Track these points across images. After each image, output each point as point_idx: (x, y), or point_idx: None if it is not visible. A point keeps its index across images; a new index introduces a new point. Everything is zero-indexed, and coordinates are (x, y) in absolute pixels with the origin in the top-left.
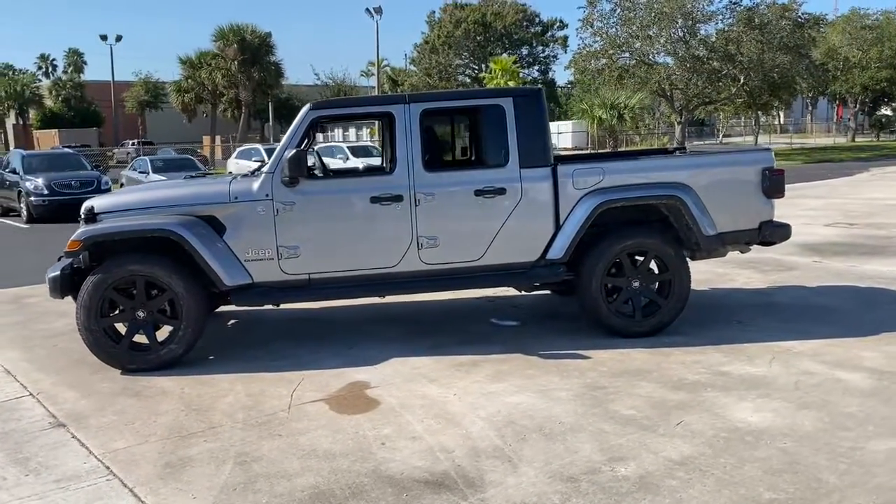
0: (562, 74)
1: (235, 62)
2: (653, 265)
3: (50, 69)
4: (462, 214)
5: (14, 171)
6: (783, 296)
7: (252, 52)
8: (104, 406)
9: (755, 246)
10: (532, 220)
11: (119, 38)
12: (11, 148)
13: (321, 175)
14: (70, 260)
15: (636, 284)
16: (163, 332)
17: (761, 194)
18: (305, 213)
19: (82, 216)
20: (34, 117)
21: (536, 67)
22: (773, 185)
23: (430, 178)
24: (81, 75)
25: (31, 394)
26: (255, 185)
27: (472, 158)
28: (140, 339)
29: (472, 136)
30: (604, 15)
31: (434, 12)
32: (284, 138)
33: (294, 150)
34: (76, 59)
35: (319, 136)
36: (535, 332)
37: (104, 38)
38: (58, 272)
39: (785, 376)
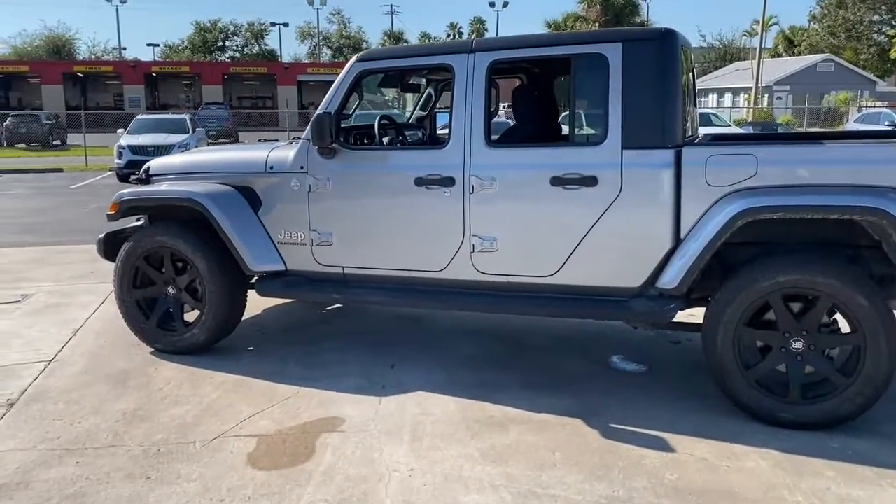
0: None
1: (597, 24)
2: (831, 318)
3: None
4: (532, 209)
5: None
6: None
7: (615, 13)
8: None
9: None
10: (636, 226)
11: None
12: None
13: (365, 145)
14: (140, 223)
15: (797, 346)
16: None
17: None
18: (339, 192)
19: (141, 176)
20: None
21: None
22: None
23: (493, 156)
24: None
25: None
26: (292, 154)
27: (554, 132)
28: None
29: (556, 99)
30: None
31: None
32: (326, 96)
33: (323, 111)
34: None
35: None
36: (648, 389)
37: None
38: (102, 235)
39: None
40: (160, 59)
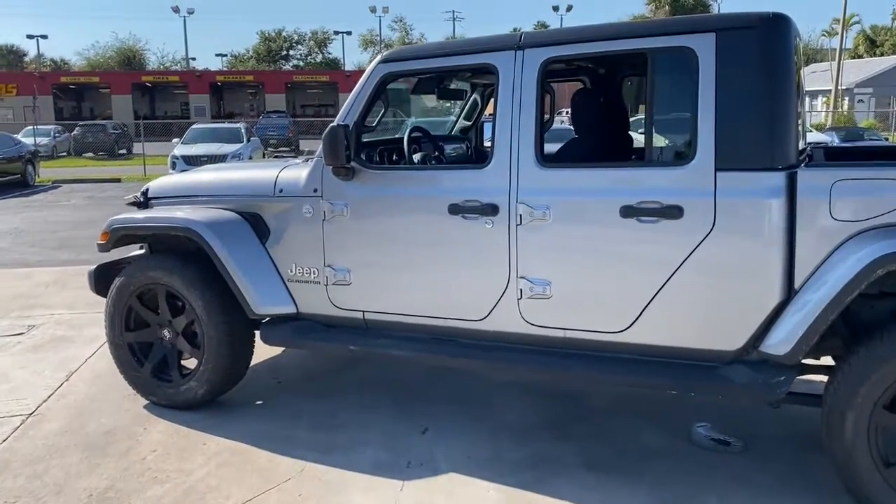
0: None
1: None
2: None
3: None
4: (596, 247)
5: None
6: None
7: (686, 13)
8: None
9: None
10: (734, 271)
11: None
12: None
13: (393, 164)
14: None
15: None
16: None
17: None
18: (358, 221)
19: (139, 198)
20: None
21: None
22: None
23: (546, 178)
24: None
25: None
26: (304, 174)
27: (624, 148)
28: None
29: (626, 106)
30: None
31: None
32: (344, 104)
33: (338, 123)
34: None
35: None
36: (747, 475)
37: None
38: (93, 268)
39: None
40: (226, 69)
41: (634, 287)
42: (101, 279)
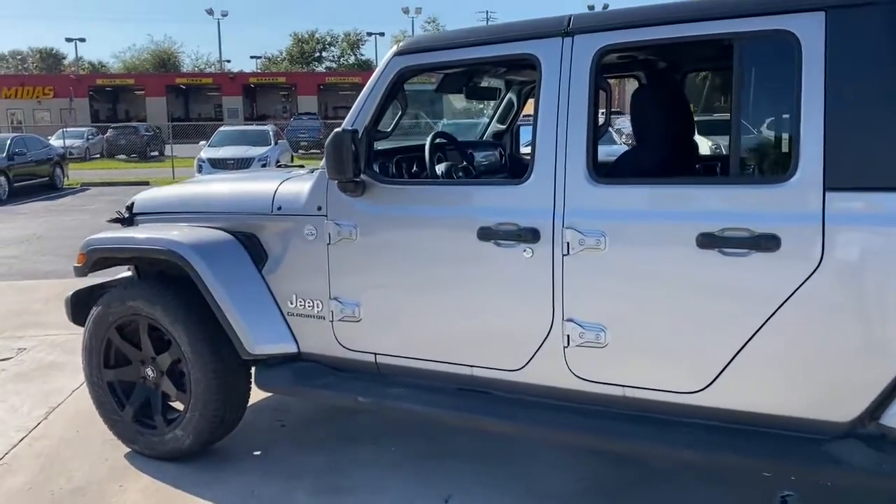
0: None
1: None
2: None
3: None
4: (666, 286)
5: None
6: None
7: None
8: None
9: None
10: (848, 321)
11: None
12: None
13: (413, 177)
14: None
15: None
16: None
17: None
18: (369, 246)
19: (123, 214)
20: None
21: None
22: None
23: (601, 197)
24: None
25: None
26: (306, 188)
27: (691, 157)
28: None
29: (702, 105)
30: None
31: None
32: (353, 106)
33: (344, 129)
34: None
35: None
36: None
37: None
38: (70, 294)
39: None
40: (259, 71)
41: (715, 336)
42: (80, 307)
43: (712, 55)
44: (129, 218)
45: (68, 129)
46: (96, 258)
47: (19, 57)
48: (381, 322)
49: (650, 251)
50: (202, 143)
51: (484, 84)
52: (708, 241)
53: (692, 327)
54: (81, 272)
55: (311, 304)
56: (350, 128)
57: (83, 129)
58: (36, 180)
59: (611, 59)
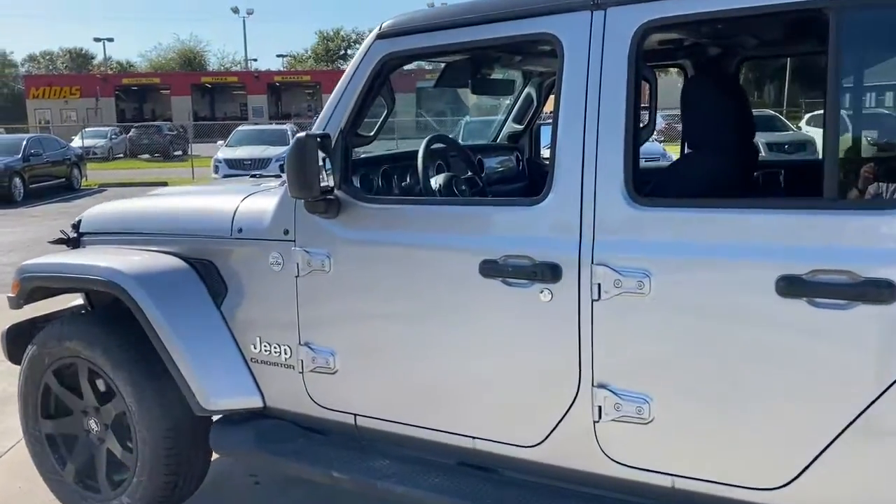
0: None
1: None
2: None
3: None
4: (733, 343)
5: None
6: None
7: None
8: None
9: None
10: None
11: None
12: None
13: (403, 194)
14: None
15: None
16: None
17: None
18: (346, 279)
19: (69, 234)
20: None
21: None
22: None
23: (644, 223)
24: None
25: None
26: (271, 206)
27: (752, 168)
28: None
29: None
30: None
31: None
32: (325, 106)
33: (310, 132)
34: None
35: None
36: None
37: None
38: (4, 329)
39: None
40: (284, 69)
41: (801, 414)
42: (16, 344)
43: (802, 34)
44: (76, 238)
45: (92, 129)
46: (30, 287)
47: (49, 57)
48: (362, 376)
49: (711, 298)
50: (220, 142)
51: (496, 76)
52: (792, 286)
53: (772, 402)
54: (16, 303)
55: (278, 349)
56: (319, 132)
57: (106, 128)
58: (53, 181)
59: (657, 44)
